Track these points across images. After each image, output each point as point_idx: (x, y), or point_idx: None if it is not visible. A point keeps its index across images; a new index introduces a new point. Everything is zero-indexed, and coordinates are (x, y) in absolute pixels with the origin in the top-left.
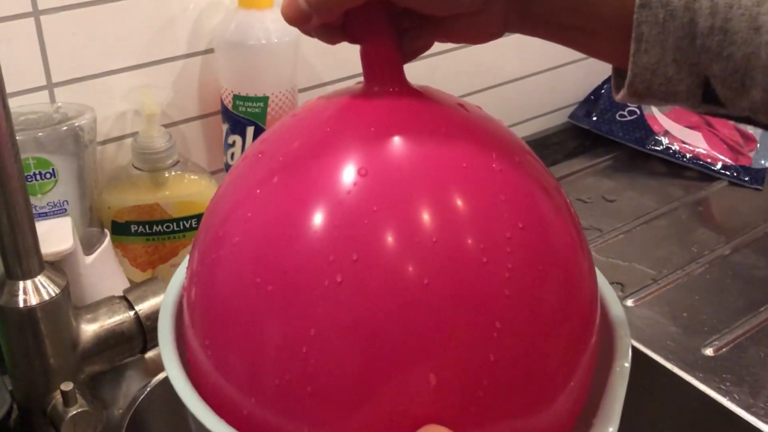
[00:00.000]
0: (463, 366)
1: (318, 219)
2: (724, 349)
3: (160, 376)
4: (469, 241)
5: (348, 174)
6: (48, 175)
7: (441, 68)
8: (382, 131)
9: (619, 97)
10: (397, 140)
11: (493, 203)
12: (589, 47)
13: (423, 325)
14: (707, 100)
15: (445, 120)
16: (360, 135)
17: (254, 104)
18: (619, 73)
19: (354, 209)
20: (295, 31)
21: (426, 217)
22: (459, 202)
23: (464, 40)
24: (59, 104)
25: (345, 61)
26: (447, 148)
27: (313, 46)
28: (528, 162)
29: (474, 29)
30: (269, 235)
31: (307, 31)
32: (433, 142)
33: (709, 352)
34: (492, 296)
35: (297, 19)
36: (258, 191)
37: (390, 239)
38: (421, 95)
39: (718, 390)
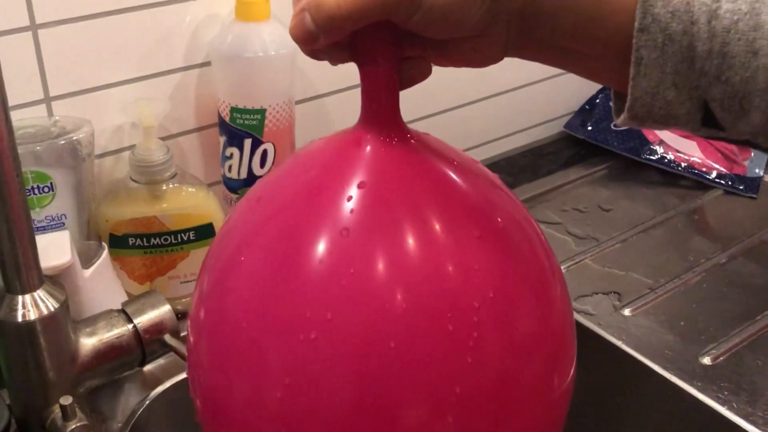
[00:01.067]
0: (424, 428)
1: (299, 277)
2: (721, 358)
3: (159, 389)
4: (437, 308)
5: (331, 234)
6: (46, 189)
7: (437, 79)
8: (369, 192)
9: (619, 121)
10: (380, 203)
11: (465, 272)
12: (589, 71)
13: (387, 385)
14: (707, 123)
15: (432, 181)
16: (344, 195)
17: (251, 116)
18: (619, 97)
19: (333, 270)
20: (292, 42)
21: (399, 282)
22: (432, 270)
23: (465, 63)
24: (57, 118)
25: (342, 73)
26: (428, 214)
27: (310, 58)
28: (511, 224)
29: (474, 53)
30: (258, 286)
31: (315, 54)
32: (415, 207)
33: (706, 360)
34: (454, 363)
35: (305, 38)
36: (250, 244)
37: (362, 301)
38: (412, 149)
39: (717, 399)
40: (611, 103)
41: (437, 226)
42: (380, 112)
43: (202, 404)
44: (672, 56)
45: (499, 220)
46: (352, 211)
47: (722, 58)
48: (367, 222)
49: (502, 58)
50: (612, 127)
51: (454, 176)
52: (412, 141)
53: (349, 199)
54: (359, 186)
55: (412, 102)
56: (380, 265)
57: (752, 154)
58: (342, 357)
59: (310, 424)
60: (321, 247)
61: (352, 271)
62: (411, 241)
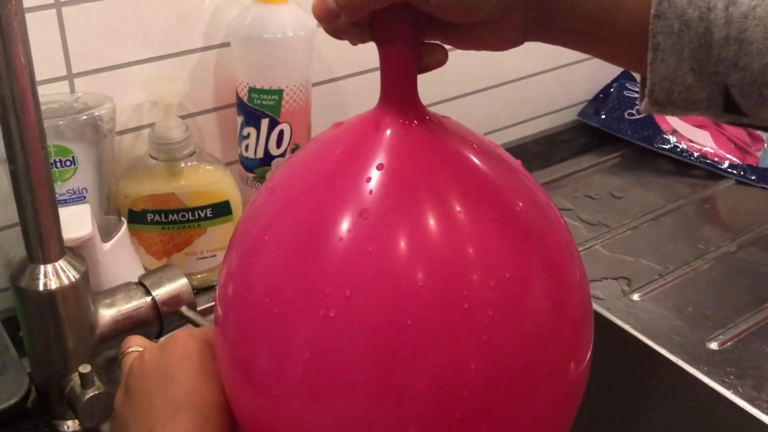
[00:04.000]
0: (437, 405)
1: (320, 255)
2: (728, 344)
3: None
4: (453, 287)
5: (350, 215)
6: (68, 163)
7: (451, 66)
8: (388, 173)
9: (642, 107)
10: (399, 184)
11: (482, 252)
12: (607, 55)
13: (403, 362)
14: (729, 109)
15: (450, 163)
16: (364, 177)
17: (269, 97)
18: (644, 83)
19: (352, 248)
20: (310, 25)
21: (416, 261)
22: (449, 249)
23: (483, 47)
24: (79, 94)
25: (359, 56)
26: (446, 195)
27: (328, 41)
28: (530, 208)
29: (493, 37)
30: (281, 264)
31: (336, 32)
32: (433, 187)
33: (713, 346)
34: (469, 340)
35: (326, 16)
36: (275, 224)
37: (380, 279)
38: (431, 130)
39: (722, 383)
40: (638, 90)
41: (455, 207)
42: (399, 92)
43: (229, 379)
44: (689, 42)
45: (518, 203)
46: (371, 192)
47: (740, 44)
48: (385, 202)
49: (521, 42)
50: (626, 116)
51: (473, 158)
52: (432, 123)
53: (368, 180)
54: (378, 167)
55: (427, 87)
56: (398, 245)
57: (765, 144)
58: (360, 333)
59: (329, 398)
60: (341, 227)
61: (370, 250)
62: (428, 221)
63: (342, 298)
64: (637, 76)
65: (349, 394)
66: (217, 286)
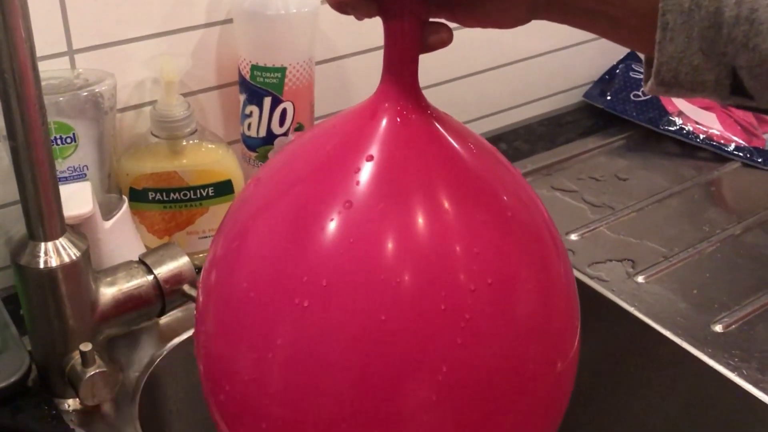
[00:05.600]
0: (405, 404)
1: (299, 244)
2: (733, 326)
3: (177, 339)
4: (432, 286)
5: (335, 205)
6: (69, 140)
7: (456, 45)
8: (377, 165)
9: (647, 88)
10: (387, 177)
11: (465, 255)
12: (616, 35)
13: (373, 356)
14: (736, 91)
15: (443, 160)
16: (353, 168)
17: (272, 75)
18: (648, 63)
19: (333, 238)
20: (313, 1)
21: (396, 257)
22: (432, 248)
23: (491, 24)
24: (80, 70)
25: (362, 34)
26: (433, 192)
27: (332, 18)
28: (520, 211)
29: (501, 14)
30: (262, 252)
31: (342, 6)
32: (421, 184)
33: (718, 328)
34: (444, 342)
35: None
36: (262, 214)
37: (357, 272)
38: (427, 124)
39: (727, 365)
40: (643, 70)
41: (442, 205)
42: (401, 70)
43: (205, 366)
44: (698, 22)
45: (508, 206)
46: (358, 183)
47: (750, 24)
48: (371, 194)
49: (529, 20)
50: (632, 97)
51: (466, 157)
52: (429, 116)
53: (357, 171)
54: (368, 159)
55: (432, 67)
56: (379, 238)
57: None
58: (332, 324)
59: (299, 388)
60: (324, 217)
61: (350, 241)
62: (414, 217)
63: (318, 287)
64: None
65: (317, 386)
66: (201, 273)
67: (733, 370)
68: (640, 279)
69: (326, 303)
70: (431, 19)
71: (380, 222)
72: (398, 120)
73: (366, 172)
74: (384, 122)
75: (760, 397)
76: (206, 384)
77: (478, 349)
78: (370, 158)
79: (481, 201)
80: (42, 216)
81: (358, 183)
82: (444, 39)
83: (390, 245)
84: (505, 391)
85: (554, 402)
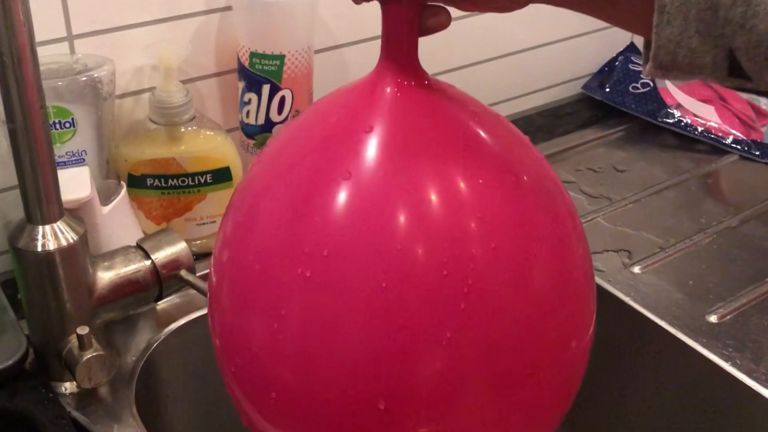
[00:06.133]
0: (409, 373)
1: (303, 216)
2: (728, 317)
3: (174, 325)
4: (432, 251)
5: (337, 176)
6: (67, 125)
7: (456, 35)
8: (379, 136)
9: (646, 70)
10: (389, 146)
11: (468, 219)
12: (614, 17)
13: (375, 323)
14: (733, 73)
15: (445, 127)
16: (354, 139)
17: (271, 62)
18: (648, 46)
19: (333, 208)
20: None
21: (395, 223)
22: (433, 213)
23: (488, 8)
24: (79, 55)
25: (361, 24)
26: (437, 158)
27: (330, 7)
28: (530, 178)
29: None
30: (269, 228)
31: None
32: (423, 152)
33: (713, 319)
34: (446, 307)
35: None
36: (265, 188)
37: (357, 240)
38: (427, 93)
39: (721, 355)
40: (641, 53)
41: (445, 171)
42: (399, 53)
43: (220, 340)
44: (695, 4)
45: (516, 172)
46: (357, 153)
47: (747, 5)
48: (371, 164)
49: (527, 4)
50: (630, 89)
51: (470, 123)
52: (429, 86)
53: (359, 141)
54: (369, 129)
55: (430, 56)
56: (378, 206)
57: None
58: (335, 293)
59: (303, 358)
60: (325, 188)
61: (350, 211)
62: (414, 184)
63: (320, 257)
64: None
65: (322, 354)
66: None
67: (727, 360)
68: (637, 269)
69: (327, 272)
70: (429, 3)
71: (379, 190)
72: (397, 91)
73: (365, 142)
74: (386, 91)
75: (753, 387)
76: (221, 357)
77: (482, 316)
78: (369, 129)
79: (485, 166)
80: (40, 199)
81: (357, 153)
82: (442, 22)
83: (389, 212)
84: (511, 361)
85: (564, 380)
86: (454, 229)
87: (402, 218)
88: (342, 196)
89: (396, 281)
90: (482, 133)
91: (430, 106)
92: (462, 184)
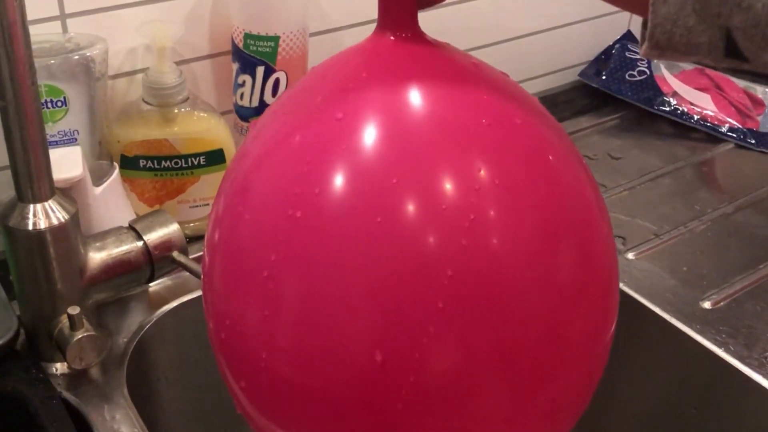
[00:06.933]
0: (410, 308)
1: (296, 158)
2: (722, 303)
3: (167, 306)
4: (429, 186)
5: (330, 119)
6: (59, 104)
7: (452, 21)
8: (370, 80)
9: (642, 50)
10: (382, 90)
11: (463, 152)
12: None
13: (371, 263)
14: (730, 54)
15: (443, 72)
16: (345, 87)
17: (265, 43)
18: (646, 26)
19: (324, 149)
20: None
21: (387, 158)
22: (427, 146)
23: None
24: (72, 34)
25: (357, 7)
26: (430, 97)
27: None
28: (533, 125)
29: None
30: (261, 207)
31: None
32: (421, 93)
33: (707, 305)
34: (446, 243)
35: None
36: (257, 162)
37: (350, 176)
38: (427, 47)
39: (714, 341)
40: (639, 33)
41: (441, 111)
42: (397, 12)
43: (215, 324)
44: None
45: (515, 114)
46: (351, 98)
47: None
48: (364, 105)
49: None
50: (627, 77)
51: (468, 72)
52: (428, 41)
53: (350, 88)
54: (361, 78)
55: None
56: (371, 144)
57: (766, 109)
58: (326, 233)
59: (294, 308)
60: (316, 131)
61: (343, 148)
62: (409, 119)
63: (311, 195)
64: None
65: (312, 304)
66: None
67: (720, 346)
68: (631, 255)
69: (318, 213)
70: None
71: (372, 128)
72: (392, 39)
73: (357, 87)
74: (382, 48)
75: (746, 372)
76: (214, 340)
77: (485, 255)
78: (363, 77)
79: (483, 104)
80: (31, 177)
81: (351, 98)
82: None
83: (382, 150)
84: (527, 336)
85: (586, 373)
86: (450, 162)
87: (395, 153)
88: (333, 138)
89: (391, 216)
90: (484, 81)
91: (428, 54)
92: (458, 120)
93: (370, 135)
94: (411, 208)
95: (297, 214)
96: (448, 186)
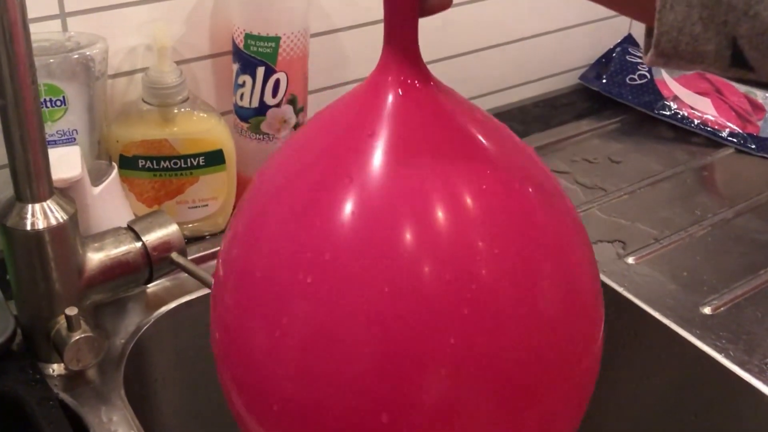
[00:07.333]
0: (411, 383)
1: (304, 223)
2: (722, 308)
3: (164, 308)
4: (434, 256)
5: (341, 179)
6: (58, 103)
7: (455, 23)
8: (378, 140)
9: (647, 59)
10: (388, 150)
11: (467, 223)
12: (617, 4)
13: (375, 331)
14: (736, 63)
15: (447, 132)
16: (356, 145)
17: (266, 44)
18: (649, 34)
19: (336, 213)
20: None
21: (400, 230)
22: (436, 219)
23: None
24: (72, 33)
25: (358, 7)
26: (437, 162)
27: None
28: (531, 186)
29: None
30: (274, 232)
31: None
32: (425, 155)
33: (707, 310)
34: (449, 312)
35: None
36: (271, 196)
37: (358, 245)
38: (432, 99)
39: (714, 347)
40: (643, 41)
41: (443, 178)
42: (401, 34)
43: (220, 335)
44: None
45: (518, 179)
46: (358, 159)
47: None
48: (370, 169)
49: None
50: (627, 81)
51: (469, 128)
52: (432, 87)
53: (358, 148)
54: (369, 135)
55: (425, 44)
56: (380, 209)
57: (767, 114)
58: (335, 299)
59: (306, 365)
60: (325, 196)
61: (350, 215)
62: (413, 188)
63: (321, 262)
64: (640, 37)
65: (324, 362)
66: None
67: (720, 352)
68: (630, 260)
69: (328, 278)
70: None
71: (380, 195)
72: (400, 93)
73: (367, 146)
74: (386, 98)
75: (746, 379)
76: (221, 360)
77: (486, 321)
78: (372, 134)
79: (489, 172)
80: (30, 177)
81: (358, 158)
82: (445, 1)
83: (391, 215)
84: (518, 371)
85: (574, 391)
86: (455, 233)
87: (404, 224)
88: (343, 201)
89: (399, 286)
90: (484, 139)
91: (434, 110)
92: (465, 190)
93: (377, 203)
94: (416, 279)
95: (308, 280)
96: (451, 257)
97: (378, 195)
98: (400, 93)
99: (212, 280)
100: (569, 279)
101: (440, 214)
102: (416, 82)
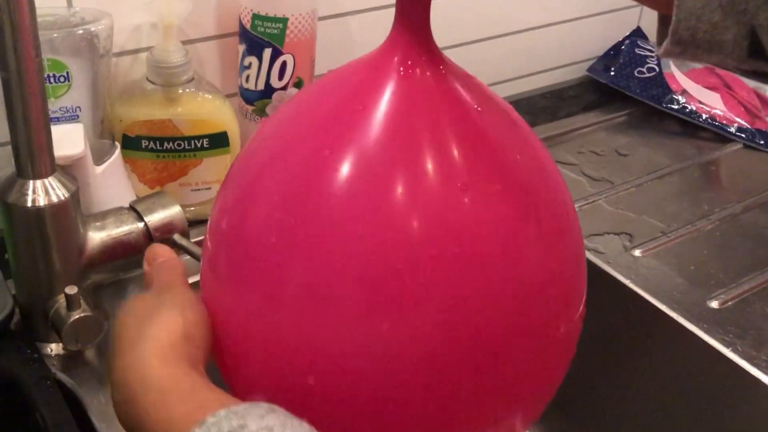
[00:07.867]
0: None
1: (306, 198)
2: (729, 303)
3: None
4: (422, 227)
5: (320, 154)
6: (62, 79)
7: (462, 11)
8: (368, 114)
9: (662, 50)
10: (388, 123)
11: (455, 193)
12: None
13: (386, 299)
14: (753, 54)
15: (441, 114)
16: (346, 117)
17: (273, 25)
18: (664, 23)
19: (335, 191)
20: None
21: (389, 198)
22: (421, 185)
23: None
24: (77, 9)
25: None
26: (439, 139)
27: None
28: (525, 163)
29: None
30: (273, 203)
31: None
32: (427, 130)
33: (714, 304)
34: (425, 268)
35: None
36: (263, 165)
37: (364, 220)
38: (434, 78)
39: (722, 341)
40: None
41: (441, 150)
42: (412, 14)
43: (213, 309)
44: None
45: (513, 155)
46: (346, 131)
47: None
48: (352, 142)
49: None
50: (636, 73)
51: (467, 110)
52: (438, 68)
53: (347, 120)
54: (359, 108)
55: (436, 32)
56: (376, 187)
57: None
58: (339, 268)
59: (310, 333)
60: (311, 166)
61: (354, 193)
62: (414, 162)
63: (306, 233)
64: (649, 30)
65: (331, 335)
66: (208, 221)
67: (727, 346)
68: (637, 253)
69: (331, 251)
70: None
71: (365, 171)
72: (401, 71)
73: (355, 121)
74: (387, 75)
75: (753, 373)
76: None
77: (469, 273)
78: (361, 108)
79: (481, 146)
80: (32, 152)
81: (349, 131)
82: None
83: (378, 194)
84: (490, 337)
85: (545, 364)
86: (437, 199)
87: (393, 191)
88: (328, 172)
89: (383, 248)
90: (481, 121)
91: (434, 90)
92: (461, 163)
93: (358, 178)
94: (402, 240)
95: (310, 253)
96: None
97: (362, 170)
98: (401, 71)
99: None
100: (552, 244)
101: (422, 181)
102: (421, 63)
